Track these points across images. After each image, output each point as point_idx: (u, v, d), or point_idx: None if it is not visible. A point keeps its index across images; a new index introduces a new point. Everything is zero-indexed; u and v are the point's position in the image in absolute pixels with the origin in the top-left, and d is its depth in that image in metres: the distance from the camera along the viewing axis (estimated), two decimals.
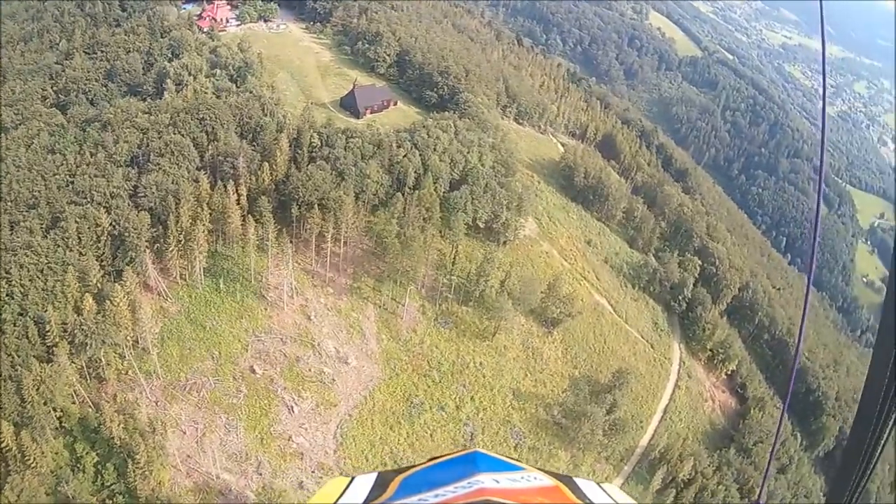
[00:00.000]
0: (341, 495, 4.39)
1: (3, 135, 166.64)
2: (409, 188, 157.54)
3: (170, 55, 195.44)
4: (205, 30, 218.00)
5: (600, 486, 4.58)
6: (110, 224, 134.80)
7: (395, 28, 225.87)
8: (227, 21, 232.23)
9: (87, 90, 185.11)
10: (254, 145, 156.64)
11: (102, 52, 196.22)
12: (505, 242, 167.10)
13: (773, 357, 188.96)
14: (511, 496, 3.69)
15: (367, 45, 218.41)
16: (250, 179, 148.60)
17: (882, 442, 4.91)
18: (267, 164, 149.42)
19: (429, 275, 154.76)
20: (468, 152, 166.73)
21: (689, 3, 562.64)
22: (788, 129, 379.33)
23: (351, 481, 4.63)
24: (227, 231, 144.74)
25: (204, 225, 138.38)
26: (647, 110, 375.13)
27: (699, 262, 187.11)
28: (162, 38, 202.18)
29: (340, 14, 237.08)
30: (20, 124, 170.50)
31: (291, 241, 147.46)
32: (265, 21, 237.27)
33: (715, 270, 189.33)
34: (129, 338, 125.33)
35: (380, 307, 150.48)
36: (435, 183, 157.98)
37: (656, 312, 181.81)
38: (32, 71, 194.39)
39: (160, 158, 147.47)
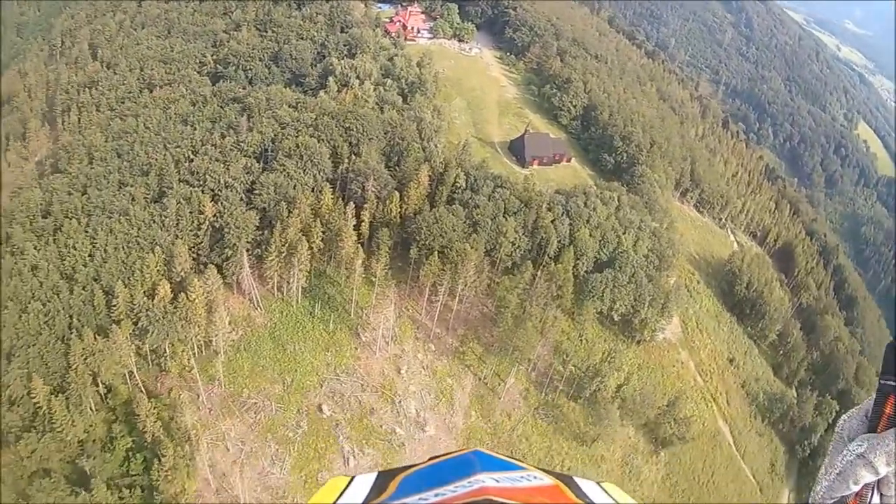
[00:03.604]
0: (341, 495, 4.06)
1: (147, 91, 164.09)
2: (550, 257, 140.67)
3: (345, 52, 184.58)
4: (392, 34, 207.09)
5: (600, 486, 4.18)
6: (214, 215, 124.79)
7: (589, 79, 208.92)
8: (419, 31, 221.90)
9: (247, 67, 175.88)
10: (395, 170, 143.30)
11: (274, 31, 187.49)
12: (639, 342, 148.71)
13: None
14: (511, 495, 3.52)
15: (554, 90, 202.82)
16: (377, 206, 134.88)
17: None
18: (398, 193, 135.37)
19: (544, 357, 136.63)
20: (624, 233, 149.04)
21: None
22: None
23: (351, 481, 4.24)
24: (338, 255, 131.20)
25: (312, 242, 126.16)
26: (838, 224, 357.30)
27: (837, 406, 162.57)
28: (341, 32, 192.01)
29: (536, 51, 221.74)
30: (166, 84, 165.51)
31: (407, 283, 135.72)
32: (459, 40, 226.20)
33: None
34: (198, 336, 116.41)
35: (480, 379, 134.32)
36: (577, 259, 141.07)
37: (778, 453, 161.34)
38: (197, 34, 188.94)
39: (287, 159, 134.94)
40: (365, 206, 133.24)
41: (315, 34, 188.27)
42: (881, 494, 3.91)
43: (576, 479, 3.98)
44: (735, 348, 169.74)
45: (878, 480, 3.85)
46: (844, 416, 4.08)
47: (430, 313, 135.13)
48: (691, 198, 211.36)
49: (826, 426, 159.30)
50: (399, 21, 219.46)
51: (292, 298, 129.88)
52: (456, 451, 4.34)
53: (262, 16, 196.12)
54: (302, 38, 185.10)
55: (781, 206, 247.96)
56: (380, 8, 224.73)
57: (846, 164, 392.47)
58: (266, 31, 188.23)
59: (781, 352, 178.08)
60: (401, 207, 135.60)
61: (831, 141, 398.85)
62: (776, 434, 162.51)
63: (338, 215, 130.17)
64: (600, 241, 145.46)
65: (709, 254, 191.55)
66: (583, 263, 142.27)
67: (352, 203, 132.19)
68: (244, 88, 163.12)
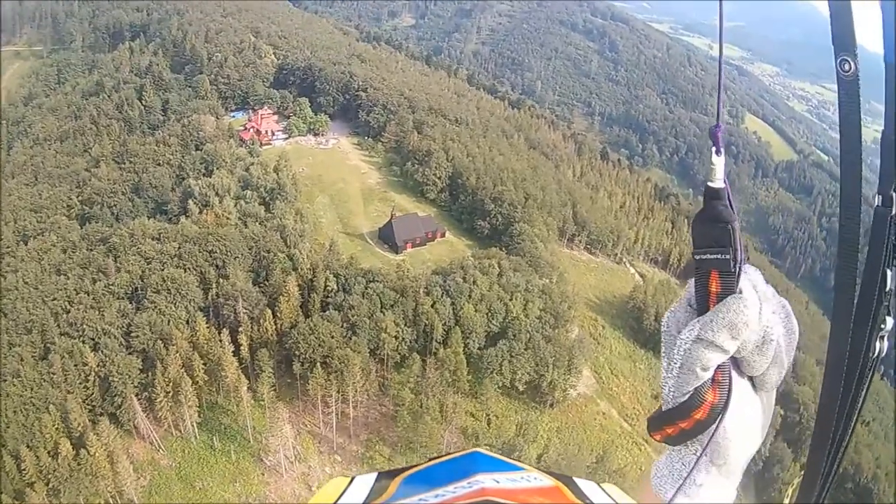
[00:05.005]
0: (341, 495, 3.88)
1: (21, 244, 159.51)
2: (438, 342, 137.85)
3: (202, 170, 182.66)
4: (246, 142, 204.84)
5: (600, 487, 4.13)
6: (98, 364, 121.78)
7: (450, 146, 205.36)
8: (273, 134, 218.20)
9: (111, 204, 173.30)
10: (264, 285, 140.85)
11: (131, 162, 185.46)
12: (552, 405, 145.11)
13: None
14: (511, 496, 3.37)
15: (415, 166, 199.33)
16: (252, 327, 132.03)
17: (849, 433, 4.04)
18: (270, 310, 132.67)
19: (454, 444, 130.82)
20: (511, 299, 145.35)
21: (784, 103, 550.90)
22: None
23: (351, 481, 4.08)
24: (224, 384, 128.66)
25: (196, 376, 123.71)
26: (743, 222, 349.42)
27: (781, 411, 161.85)
28: (196, 150, 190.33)
29: (393, 129, 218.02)
30: (39, 234, 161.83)
31: (298, 399, 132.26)
32: (315, 135, 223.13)
33: (798, 417, 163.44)
34: (109, 488, 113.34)
35: None
36: (467, 338, 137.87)
37: None
38: (62, 176, 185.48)
39: (156, 295, 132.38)
40: (240, 329, 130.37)
41: (171, 157, 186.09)
42: (750, 378, 3.62)
43: (576, 479, 3.95)
44: (657, 384, 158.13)
45: (740, 366, 3.54)
46: (667, 313, 3.60)
47: (328, 425, 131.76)
48: (580, 241, 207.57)
49: (775, 433, 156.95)
50: (252, 127, 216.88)
51: (190, 435, 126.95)
52: (456, 452, 4.22)
53: (119, 147, 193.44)
54: (159, 164, 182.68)
55: (678, 224, 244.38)
56: (232, 117, 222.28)
57: (739, 160, 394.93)
58: (124, 163, 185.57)
59: None
60: (275, 324, 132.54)
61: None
62: None
63: (215, 344, 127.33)
64: (487, 313, 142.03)
65: (609, 294, 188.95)
66: (473, 341, 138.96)
67: (226, 328, 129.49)
68: (111, 226, 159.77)
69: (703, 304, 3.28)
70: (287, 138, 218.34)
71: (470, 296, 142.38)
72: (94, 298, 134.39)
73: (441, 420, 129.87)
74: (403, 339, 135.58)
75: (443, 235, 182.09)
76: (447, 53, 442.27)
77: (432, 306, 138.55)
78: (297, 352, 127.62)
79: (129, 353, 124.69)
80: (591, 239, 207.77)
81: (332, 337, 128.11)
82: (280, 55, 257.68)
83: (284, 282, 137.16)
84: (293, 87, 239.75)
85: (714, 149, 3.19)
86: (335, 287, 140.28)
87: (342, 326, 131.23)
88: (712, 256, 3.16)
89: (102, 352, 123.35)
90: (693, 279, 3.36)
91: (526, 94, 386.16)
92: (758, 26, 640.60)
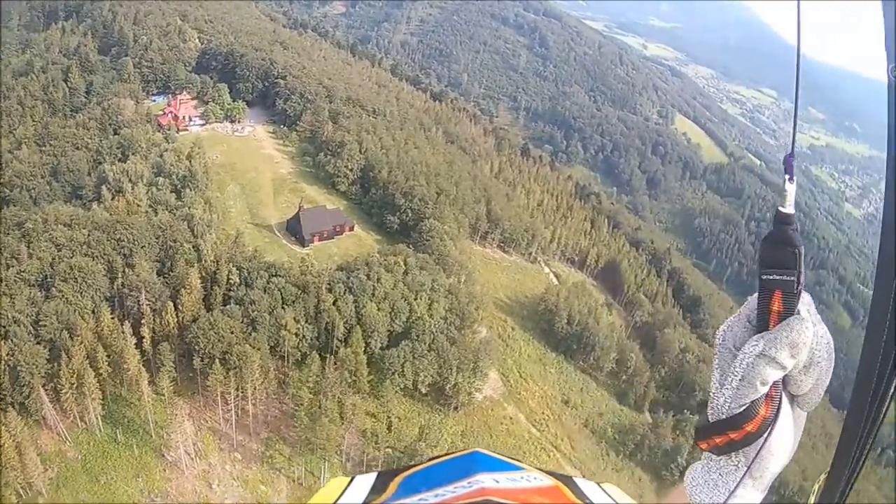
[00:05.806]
0: (341, 495, 3.94)
1: None
2: (339, 341, 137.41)
3: (119, 155, 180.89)
4: (163, 127, 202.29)
5: (600, 486, 4.13)
6: (7, 353, 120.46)
7: (364, 138, 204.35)
8: (190, 119, 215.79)
9: (30, 187, 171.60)
10: (168, 276, 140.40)
11: (51, 145, 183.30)
12: (457, 408, 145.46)
13: None
14: (511, 496, 3.42)
15: (328, 157, 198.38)
16: (154, 319, 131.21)
17: (874, 433, 4.09)
18: (171, 303, 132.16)
19: (356, 445, 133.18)
20: (415, 298, 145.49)
21: (718, 106, 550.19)
22: (814, 238, 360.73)
23: (351, 481, 4.12)
24: (126, 377, 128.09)
25: (100, 367, 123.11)
26: (668, 223, 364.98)
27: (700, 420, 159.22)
28: (114, 135, 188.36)
29: (308, 118, 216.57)
30: None
31: (200, 394, 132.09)
32: (231, 122, 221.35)
33: None
34: (18, 479, 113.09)
35: (294, 481, 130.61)
36: (369, 338, 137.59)
37: (643, 484, 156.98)
38: None
39: (64, 284, 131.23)
40: (143, 320, 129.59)
41: (89, 141, 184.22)
42: (792, 396, 3.86)
43: (575, 479, 3.94)
44: (568, 388, 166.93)
45: (786, 384, 3.79)
46: (723, 327, 3.93)
47: (228, 421, 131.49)
48: (493, 239, 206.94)
49: (693, 443, 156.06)
50: (170, 112, 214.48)
51: (94, 427, 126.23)
52: (455, 452, 4.27)
53: (41, 129, 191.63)
54: (77, 148, 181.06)
55: (598, 223, 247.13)
56: (153, 101, 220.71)
57: (666, 161, 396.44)
58: (44, 146, 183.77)
59: (623, 378, 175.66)
60: (177, 316, 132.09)
61: (647, 142, 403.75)
62: (637, 466, 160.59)
63: (118, 336, 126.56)
64: (390, 312, 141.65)
65: (521, 295, 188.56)
66: (375, 340, 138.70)
67: (130, 320, 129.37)
68: (28, 210, 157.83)
69: (763, 322, 3.65)
70: (204, 124, 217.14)
71: (373, 294, 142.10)
72: (6, 285, 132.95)
73: (340, 421, 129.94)
74: (304, 336, 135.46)
75: (351, 229, 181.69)
76: (375, 43, 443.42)
77: (334, 303, 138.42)
78: (197, 346, 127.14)
79: (37, 343, 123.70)
80: (505, 237, 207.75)
81: (232, 332, 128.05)
82: (204, 39, 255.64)
83: (187, 273, 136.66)
84: (214, 72, 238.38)
85: (787, 176, 3.58)
86: (238, 280, 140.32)
87: (242, 322, 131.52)
88: (778, 277, 3.55)
89: (12, 340, 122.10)
90: (754, 296, 3.74)
91: (452, 86, 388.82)
92: (696, 28, 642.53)
